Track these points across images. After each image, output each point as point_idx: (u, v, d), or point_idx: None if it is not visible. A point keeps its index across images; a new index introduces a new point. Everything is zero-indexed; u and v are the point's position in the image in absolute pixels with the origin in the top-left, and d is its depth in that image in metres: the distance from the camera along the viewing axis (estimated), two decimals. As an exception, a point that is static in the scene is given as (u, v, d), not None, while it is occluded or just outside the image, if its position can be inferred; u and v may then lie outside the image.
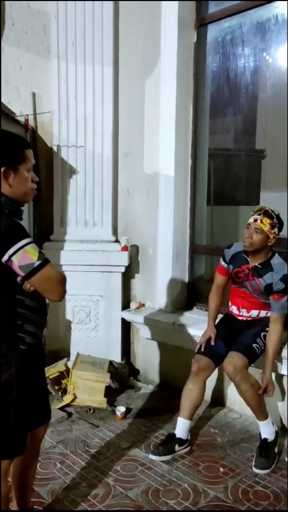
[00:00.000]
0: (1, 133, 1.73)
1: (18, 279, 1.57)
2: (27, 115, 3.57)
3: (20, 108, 3.67)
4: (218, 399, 3.21)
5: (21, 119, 3.55)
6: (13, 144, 1.62)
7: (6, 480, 1.71)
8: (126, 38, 3.54)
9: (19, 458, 1.74)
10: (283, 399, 2.84)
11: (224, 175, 4.18)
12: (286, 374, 2.75)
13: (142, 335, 3.62)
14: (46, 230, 3.68)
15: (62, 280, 1.57)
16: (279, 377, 2.79)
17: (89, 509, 2.17)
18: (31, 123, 3.61)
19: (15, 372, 1.59)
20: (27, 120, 3.55)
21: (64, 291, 1.58)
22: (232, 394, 3.11)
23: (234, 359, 2.46)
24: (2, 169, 1.56)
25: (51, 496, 2.25)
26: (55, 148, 3.56)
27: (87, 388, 3.17)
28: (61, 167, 3.57)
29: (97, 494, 2.27)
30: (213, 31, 3.39)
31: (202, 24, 3.37)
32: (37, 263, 1.50)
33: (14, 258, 1.48)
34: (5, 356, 1.58)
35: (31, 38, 3.68)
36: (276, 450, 2.57)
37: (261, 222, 2.49)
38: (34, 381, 1.70)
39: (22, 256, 1.48)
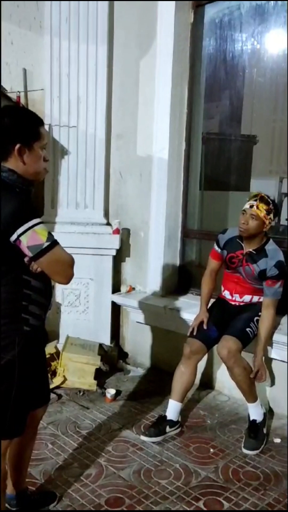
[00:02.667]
0: (17, 109, 1.69)
1: (26, 259, 1.54)
2: (19, 92, 3.48)
3: (10, 84, 3.56)
4: (207, 382, 3.25)
5: (13, 96, 3.45)
6: (28, 120, 1.59)
7: (5, 460, 1.71)
8: (121, 16, 3.46)
9: (17, 439, 1.74)
10: (271, 383, 2.89)
11: (215, 160, 4.16)
12: (275, 358, 2.80)
13: (132, 318, 3.63)
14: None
15: (71, 262, 1.55)
16: (268, 360, 2.84)
17: (82, 489, 2.19)
18: (21, 100, 3.52)
19: (18, 353, 1.57)
20: (18, 97, 3.45)
21: (72, 274, 1.56)
22: (221, 377, 3.16)
23: (228, 343, 2.49)
24: (17, 146, 1.53)
25: (44, 476, 2.26)
26: (46, 128, 3.47)
27: (77, 371, 3.17)
28: (53, 147, 3.49)
29: (89, 474, 2.29)
30: (211, 12, 3.34)
31: (199, 4, 3.31)
32: (46, 244, 1.47)
33: (22, 238, 1.45)
34: (9, 337, 1.56)
35: (23, 12, 3.56)
36: (264, 431, 2.63)
37: (257, 208, 2.49)
38: (35, 362, 1.69)
39: (31, 236, 1.45)
